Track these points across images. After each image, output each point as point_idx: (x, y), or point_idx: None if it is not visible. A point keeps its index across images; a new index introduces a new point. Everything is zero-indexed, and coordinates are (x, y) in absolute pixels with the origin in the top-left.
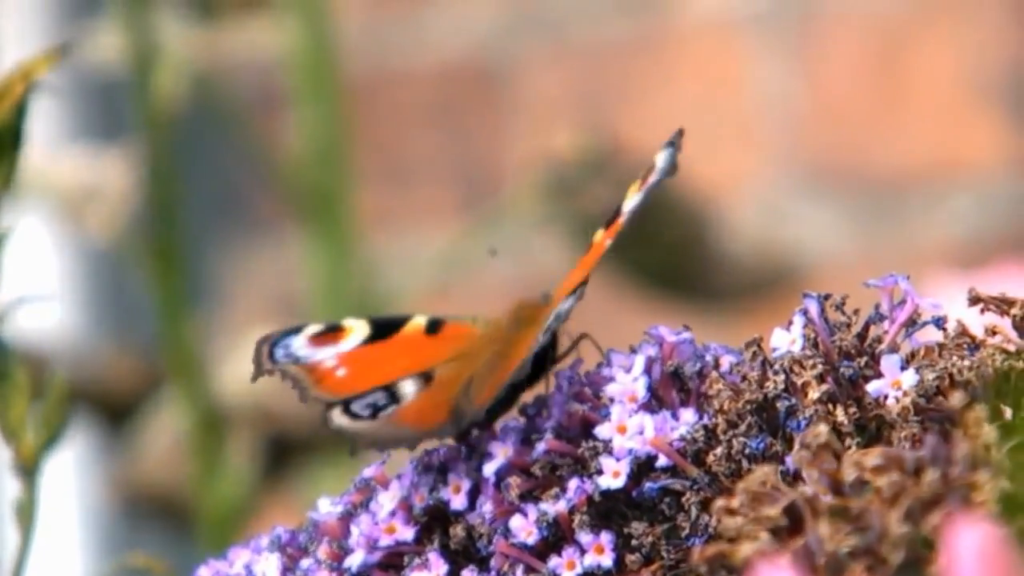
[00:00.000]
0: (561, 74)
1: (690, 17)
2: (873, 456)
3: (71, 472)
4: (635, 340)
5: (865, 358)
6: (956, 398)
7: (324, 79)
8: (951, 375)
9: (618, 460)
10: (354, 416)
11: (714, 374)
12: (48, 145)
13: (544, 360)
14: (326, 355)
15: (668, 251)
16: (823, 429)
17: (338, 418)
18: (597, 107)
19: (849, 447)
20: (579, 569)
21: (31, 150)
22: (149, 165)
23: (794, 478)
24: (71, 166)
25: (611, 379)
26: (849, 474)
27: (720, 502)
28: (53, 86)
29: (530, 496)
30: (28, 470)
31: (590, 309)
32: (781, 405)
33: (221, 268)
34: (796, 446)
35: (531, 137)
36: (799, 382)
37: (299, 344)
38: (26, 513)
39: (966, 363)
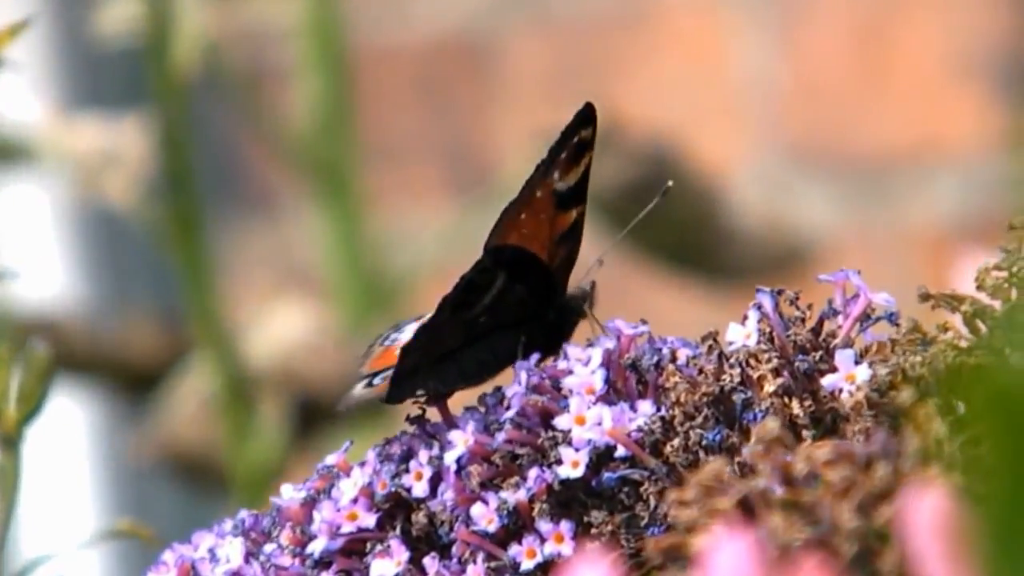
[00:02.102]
0: (547, 49)
1: None
2: (824, 450)
3: (92, 438)
4: (649, 315)
5: (819, 352)
6: (906, 394)
7: (330, 51)
8: (903, 370)
9: (577, 450)
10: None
11: (671, 367)
12: (62, 112)
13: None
14: None
15: (679, 228)
16: (774, 424)
17: (357, 387)
18: (583, 82)
19: (805, 439)
20: (539, 557)
21: (45, 117)
22: (165, 133)
23: (750, 470)
24: (87, 133)
25: (569, 372)
26: (801, 468)
27: (673, 494)
28: (16, 60)
29: (491, 484)
30: (10, 440)
31: (603, 285)
32: (737, 398)
33: (231, 239)
34: (751, 440)
35: (517, 113)
36: (755, 375)
37: None
38: (9, 482)
39: (918, 359)
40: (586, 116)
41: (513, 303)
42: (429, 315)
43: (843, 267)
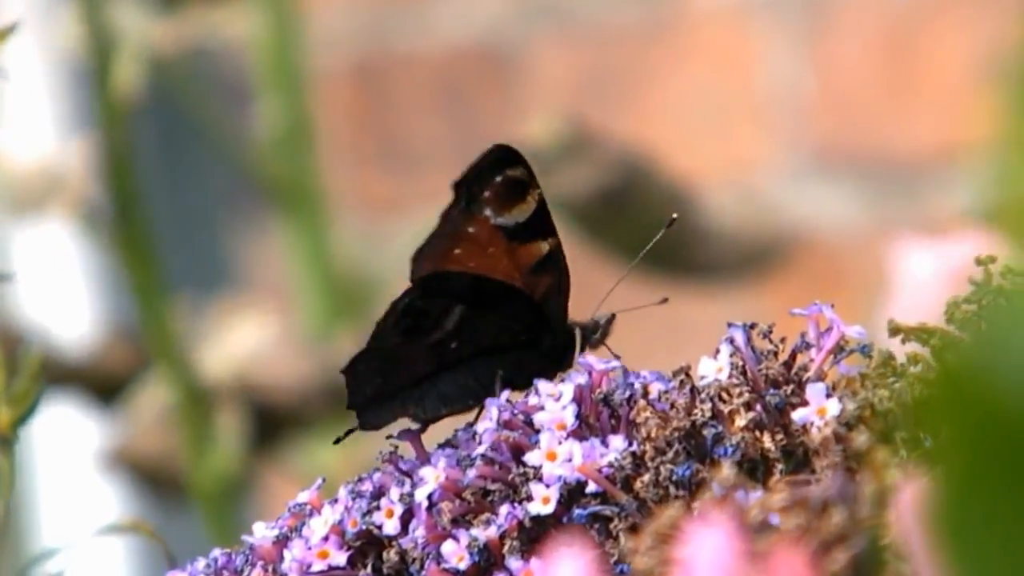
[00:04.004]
0: (571, 58)
1: (701, 2)
2: (779, 496)
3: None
4: (621, 316)
5: (791, 386)
6: (863, 437)
7: (289, 67)
8: (872, 404)
9: (548, 486)
10: None
11: (642, 402)
12: (25, 133)
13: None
14: None
15: (650, 230)
16: (730, 471)
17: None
18: (607, 92)
19: (775, 474)
20: None
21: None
22: (108, 153)
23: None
24: (31, 154)
25: (541, 407)
26: (755, 515)
27: (629, 543)
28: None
29: (462, 521)
30: (5, 441)
31: (576, 288)
32: (708, 432)
33: (239, 252)
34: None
35: None
36: (726, 410)
37: None
38: (5, 483)
39: (886, 393)
40: (499, 157)
41: (488, 330)
42: (367, 339)
43: (868, 271)
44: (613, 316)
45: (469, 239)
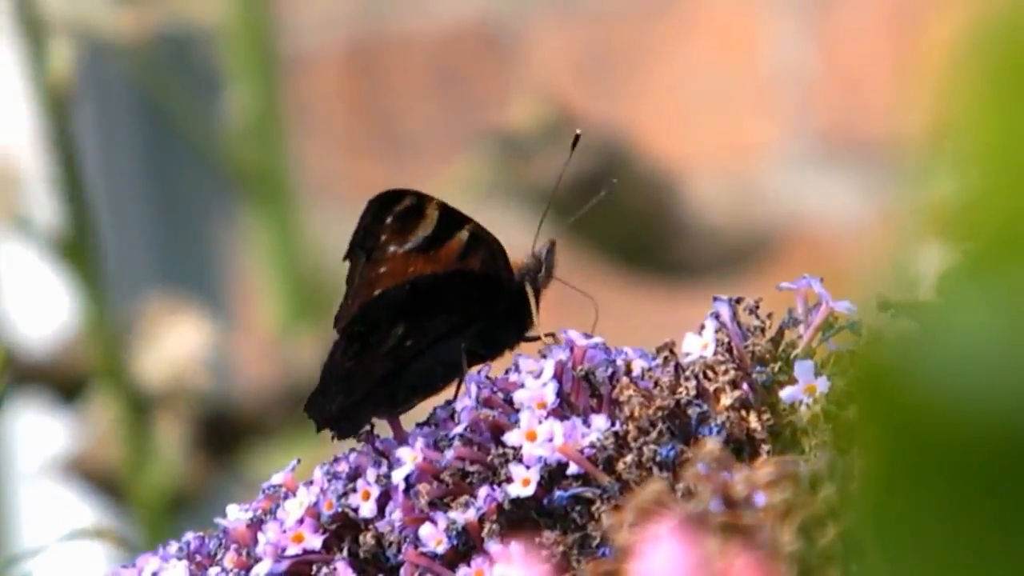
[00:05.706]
0: (569, 39)
1: None
2: (766, 471)
3: None
4: (602, 313)
5: (779, 363)
6: (853, 410)
7: (260, 52)
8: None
9: (528, 468)
10: None
11: (625, 379)
12: None
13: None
14: None
15: (629, 221)
16: (714, 445)
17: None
18: (607, 72)
19: (762, 454)
20: None
21: None
22: (51, 145)
23: (692, 491)
24: None
25: (521, 385)
26: (740, 489)
27: (611, 519)
28: None
29: (440, 503)
30: None
31: (556, 283)
32: (693, 412)
33: (221, 247)
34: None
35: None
36: (711, 388)
37: None
38: None
39: None
40: (381, 206)
41: (440, 319)
42: (319, 375)
43: (869, 255)
44: (553, 243)
45: (384, 276)
